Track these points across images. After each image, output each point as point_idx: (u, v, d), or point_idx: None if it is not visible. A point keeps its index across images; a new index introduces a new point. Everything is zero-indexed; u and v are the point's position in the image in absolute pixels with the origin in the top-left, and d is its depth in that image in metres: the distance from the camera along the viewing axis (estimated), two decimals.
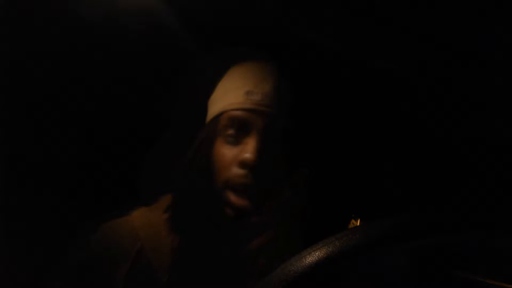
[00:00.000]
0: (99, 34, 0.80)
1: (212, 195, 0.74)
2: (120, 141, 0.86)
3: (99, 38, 0.81)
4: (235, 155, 0.72)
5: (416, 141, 0.92)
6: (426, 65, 0.78)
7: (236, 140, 0.73)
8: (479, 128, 0.83)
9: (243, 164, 0.71)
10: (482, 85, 0.77)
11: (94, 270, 0.72)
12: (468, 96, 0.79)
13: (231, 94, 0.74)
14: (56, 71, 0.82)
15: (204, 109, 0.78)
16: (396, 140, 0.93)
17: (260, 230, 0.74)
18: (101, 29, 0.79)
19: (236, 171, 0.72)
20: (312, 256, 0.45)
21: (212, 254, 0.73)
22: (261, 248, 0.73)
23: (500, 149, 0.81)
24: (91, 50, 0.83)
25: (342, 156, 0.94)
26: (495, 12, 0.69)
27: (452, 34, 0.74)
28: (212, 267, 0.72)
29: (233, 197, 0.72)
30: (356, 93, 0.91)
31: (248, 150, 0.71)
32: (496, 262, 0.51)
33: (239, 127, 0.73)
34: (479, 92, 0.78)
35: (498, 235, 0.47)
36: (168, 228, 0.75)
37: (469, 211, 0.48)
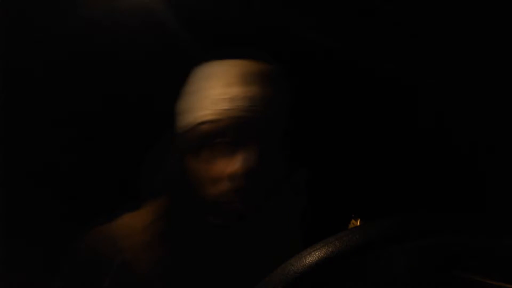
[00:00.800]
0: (99, 34, 0.80)
1: (207, 201, 0.71)
2: (120, 141, 0.87)
3: (99, 39, 0.81)
4: (216, 168, 0.66)
5: (416, 142, 0.92)
6: (426, 65, 0.78)
7: (217, 150, 0.66)
8: (479, 128, 0.83)
9: (229, 178, 0.65)
10: (482, 85, 0.78)
11: (82, 277, 0.69)
12: (468, 96, 0.79)
13: (197, 104, 0.68)
14: (56, 72, 0.82)
15: None
16: (396, 141, 0.93)
17: (259, 230, 0.74)
18: (101, 29, 0.79)
19: (223, 184, 0.66)
20: (312, 256, 0.45)
21: (210, 256, 0.73)
22: (260, 249, 0.73)
23: (500, 149, 0.81)
24: (92, 51, 0.83)
25: (342, 156, 0.94)
26: (495, 12, 0.69)
27: (452, 34, 0.74)
28: (210, 269, 0.72)
29: (225, 208, 0.68)
30: (356, 93, 0.91)
31: (231, 163, 0.65)
32: (496, 262, 0.51)
33: (215, 137, 0.66)
34: (479, 91, 0.78)
35: (498, 235, 0.47)
36: (158, 233, 0.71)
37: (470, 211, 0.48)
